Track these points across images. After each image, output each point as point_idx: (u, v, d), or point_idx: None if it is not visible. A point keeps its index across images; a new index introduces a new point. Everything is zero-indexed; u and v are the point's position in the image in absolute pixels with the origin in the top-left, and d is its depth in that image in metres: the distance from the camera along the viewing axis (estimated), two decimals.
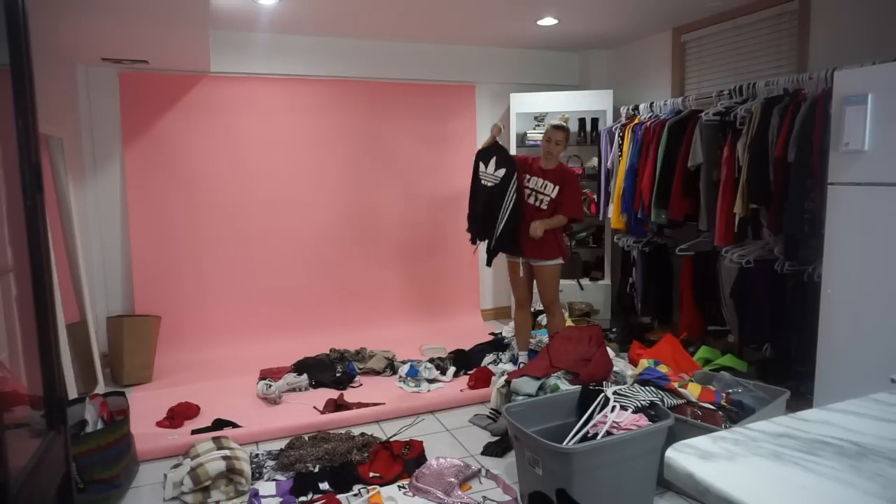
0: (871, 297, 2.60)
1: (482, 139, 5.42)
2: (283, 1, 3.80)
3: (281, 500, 2.56)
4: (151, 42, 3.50)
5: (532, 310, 4.95)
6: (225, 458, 2.63)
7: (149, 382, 4.04)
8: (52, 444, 1.55)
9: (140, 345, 4.04)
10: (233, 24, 4.33)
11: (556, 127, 3.65)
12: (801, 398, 3.23)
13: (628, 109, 4.72)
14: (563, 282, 5.20)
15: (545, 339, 4.19)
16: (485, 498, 2.55)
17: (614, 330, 4.77)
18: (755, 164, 3.40)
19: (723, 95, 3.85)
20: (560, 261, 3.75)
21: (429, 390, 3.77)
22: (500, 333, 4.75)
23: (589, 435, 2.36)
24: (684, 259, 4.23)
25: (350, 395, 3.69)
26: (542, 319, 4.75)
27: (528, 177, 3.72)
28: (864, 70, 2.63)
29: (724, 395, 2.72)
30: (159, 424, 3.32)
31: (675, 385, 2.71)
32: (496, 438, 3.09)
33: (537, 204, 3.68)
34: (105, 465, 2.54)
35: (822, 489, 0.80)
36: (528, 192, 3.71)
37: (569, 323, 4.65)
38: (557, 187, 3.64)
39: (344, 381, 3.90)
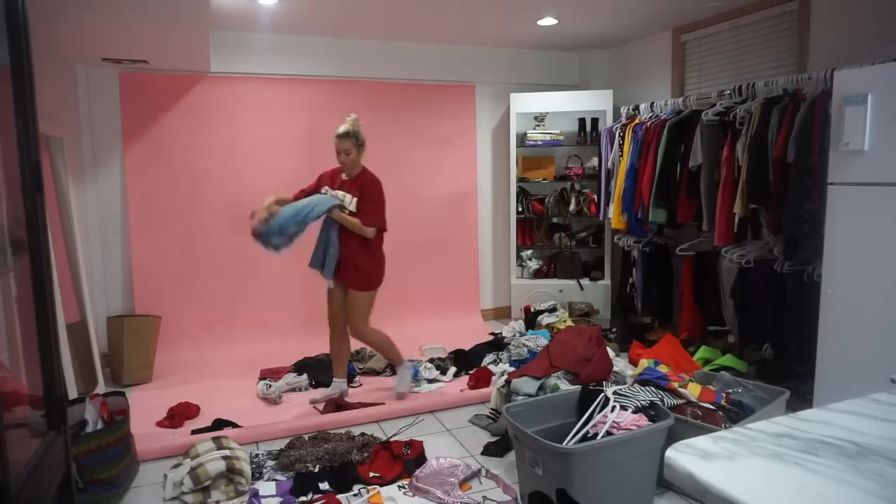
0: (871, 297, 2.60)
1: (482, 139, 5.44)
2: (283, 1, 3.80)
3: (281, 500, 2.56)
4: (151, 42, 3.50)
5: (533, 310, 4.97)
6: (225, 458, 2.63)
7: (149, 382, 4.04)
8: (52, 444, 1.55)
9: (140, 345, 4.04)
10: (233, 24, 4.33)
11: (338, 136, 3.35)
12: (801, 398, 3.23)
13: (628, 109, 4.72)
14: (562, 282, 5.25)
15: (544, 340, 4.20)
16: (485, 498, 2.55)
17: (614, 330, 4.77)
18: (755, 165, 3.40)
19: (723, 95, 3.85)
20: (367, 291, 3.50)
21: (429, 390, 3.77)
22: (500, 333, 4.74)
23: (589, 435, 2.36)
24: (684, 259, 4.23)
25: (350, 395, 3.69)
26: (543, 319, 4.75)
27: (324, 190, 3.47)
28: (864, 70, 2.64)
29: (724, 395, 2.72)
30: (159, 424, 3.32)
31: (675, 385, 2.71)
32: (496, 438, 3.09)
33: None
34: (105, 465, 2.53)
35: (822, 489, 0.80)
36: None
37: (569, 323, 4.66)
38: (356, 198, 3.37)
39: None
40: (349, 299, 3.49)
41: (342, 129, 3.39)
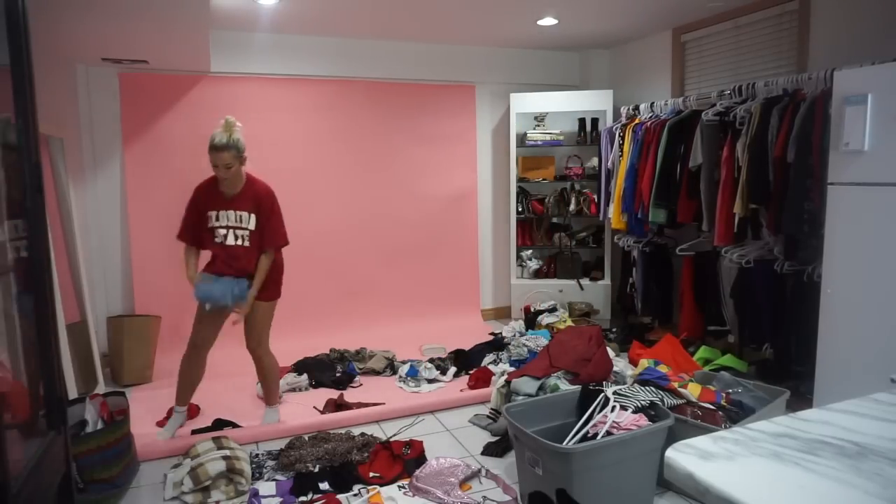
0: (871, 297, 2.60)
1: (482, 139, 5.44)
2: (283, 1, 3.80)
3: (281, 500, 2.56)
4: (151, 42, 3.50)
5: (533, 310, 4.97)
6: (225, 458, 2.63)
7: (149, 382, 4.04)
8: (52, 444, 1.55)
9: (140, 345, 4.03)
10: (233, 24, 4.33)
11: (215, 149, 2.84)
12: (801, 398, 3.24)
13: (628, 109, 4.72)
14: (562, 282, 5.25)
15: (544, 340, 4.19)
16: (485, 498, 2.55)
17: (614, 330, 4.77)
18: (755, 165, 3.40)
19: (723, 95, 3.85)
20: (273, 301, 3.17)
21: (429, 390, 3.77)
22: (500, 333, 4.74)
23: (589, 435, 2.36)
24: (684, 259, 4.23)
25: (350, 395, 3.69)
26: (543, 319, 4.75)
27: (212, 214, 2.97)
28: (864, 70, 2.63)
29: (724, 395, 2.72)
30: (159, 424, 3.31)
31: (675, 385, 2.71)
32: (496, 438, 3.09)
33: (240, 242, 2.97)
34: (105, 465, 2.54)
35: (822, 489, 0.80)
36: (222, 231, 2.96)
37: (569, 323, 4.66)
38: (253, 215, 2.97)
39: (344, 381, 3.90)
40: (257, 314, 3.08)
41: (218, 139, 2.81)
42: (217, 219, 2.97)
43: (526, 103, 5.17)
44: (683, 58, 4.72)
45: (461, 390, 3.74)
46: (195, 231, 3.03)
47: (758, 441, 0.94)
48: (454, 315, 5.33)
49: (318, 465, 2.79)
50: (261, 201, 2.98)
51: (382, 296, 5.15)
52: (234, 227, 2.97)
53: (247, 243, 2.97)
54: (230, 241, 2.97)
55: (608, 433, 2.32)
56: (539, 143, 5.23)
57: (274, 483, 2.69)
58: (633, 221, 4.45)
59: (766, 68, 4.00)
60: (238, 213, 2.96)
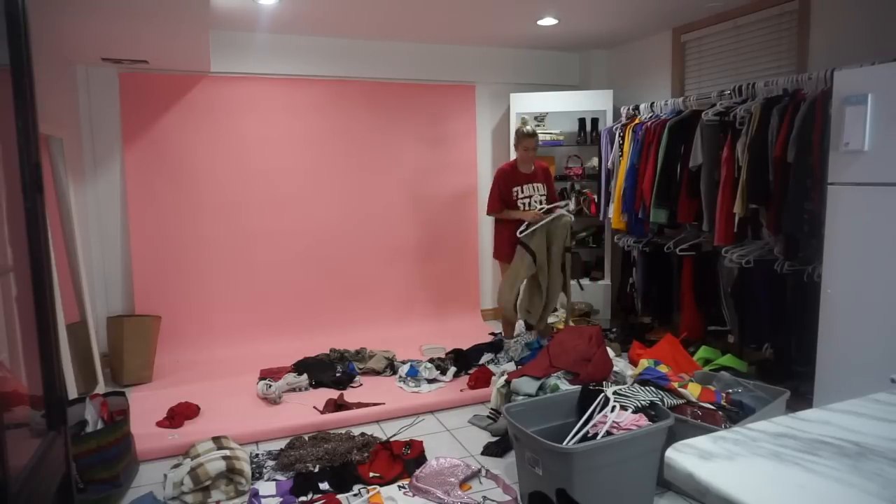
0: (871, 297, 2.60)
1: (482, 139, 5.45)
2: (283, 1, 3.80)
3: (281, 500, 2.56)
4: (151, 42, 3.50)
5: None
6: (225, 458, 2.63)
7: (149, 382, 4.04)
8: (52, 444, 1.55)
9: (140, 345, 4.03)
10: (233, 24, 4.33)
11: (527, 136, 4.07)
12: (801, 398, 3.23)
13: (629, 109, 4.72)
14: None
15: (544, 340, 4.19)
16: (485, 498, 2.55)
17: (614, 330, 4.77)
18: (755, 165, 3.40)
19: (723, 95, 3.85)
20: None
21: (429, 390, 3.77)
22: (500, 333, 4.74)
23: (589, 435, 2.36)
24: (684, 259, 4.23)
25: (350, 395, 3.69)
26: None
27: (516, 188, 4.12)
28: (864, 70, 2.63)
29: (724, 395, 2.72)
30: (159, 424, 3.32)
31: (675, 385, 2.71)
32: (496, 438, 3.09)
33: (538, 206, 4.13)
34: (105, 465, 2.54)
35: (822, 489, 0.80)
36: (526, 200, 4.12)
37: (569, 323, 4.65)
38: (544, 184, 4.21)
39: (344, 381, 3.90)
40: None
41: (528, 128, 4.11)
42: (522, 190, 4.12)
43: (526, 103, 5.16)
44: (683, 58, 4.72)
45: (461, 390, 3.74)
46: (504, 201, 4.12)
47: (758, 441, 0.94)
48: (454, 315, 5.33)
49: (318, 465, 2.79)
50: (547, 175, 4.26)
51: (382, 296, 5.15)
52: (535, 195, 4.15)
53: (544, 206, 4.13)
54: (534, 205, 4.13)
55: (608, 433, 2.32)
56: (539, 143, 5.22)
57: (274, 483, 2.69)
58: (634, 221, 4.45)
59: (766, 68, 3.99)
60: (535, 184, 4.15)
